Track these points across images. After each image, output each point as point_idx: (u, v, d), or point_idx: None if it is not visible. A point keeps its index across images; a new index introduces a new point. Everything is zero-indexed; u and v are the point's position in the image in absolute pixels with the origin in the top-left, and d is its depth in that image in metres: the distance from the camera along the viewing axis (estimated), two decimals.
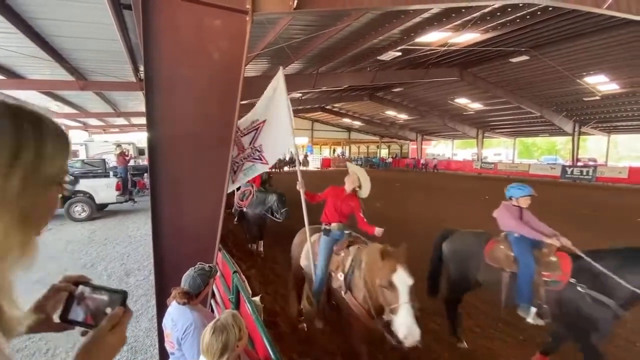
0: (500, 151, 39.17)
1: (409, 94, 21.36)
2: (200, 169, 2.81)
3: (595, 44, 11.82)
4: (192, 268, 2.10)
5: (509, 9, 8.52)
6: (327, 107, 27.37)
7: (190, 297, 1.99)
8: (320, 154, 37.37)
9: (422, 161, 31.64)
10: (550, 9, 8.34)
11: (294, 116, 31.86)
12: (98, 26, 5.52)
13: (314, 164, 33.06)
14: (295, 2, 3.02)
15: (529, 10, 8.62)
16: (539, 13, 9.09)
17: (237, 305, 2.35)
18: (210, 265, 2.18)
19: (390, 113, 26.59)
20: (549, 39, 11.77)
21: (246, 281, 2.41)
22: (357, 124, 32.95)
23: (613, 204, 12.59)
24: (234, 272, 2.41)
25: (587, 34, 11.29)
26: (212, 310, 3.11)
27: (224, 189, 2.83)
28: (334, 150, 39.97)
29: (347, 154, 37.77)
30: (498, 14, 8.80)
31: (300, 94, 18.70)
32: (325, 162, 33.36)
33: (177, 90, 2.67)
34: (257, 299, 2.06)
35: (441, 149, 41.85)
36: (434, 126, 28.71)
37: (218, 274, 2.96)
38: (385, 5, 3.39)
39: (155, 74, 2.59)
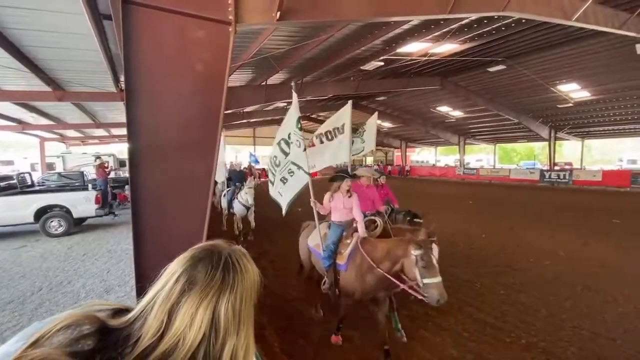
0: (482, 157, 40.30)
1: (392, 103, 21.78)
2: (183, 181, 2.76)
3: (566, 54, 12.43)
4: None
5: (485, 21, 8.87)
6: (313, 115, 27.55)
7: None
8: None
9: (406, 168, 32.16)
10: (523, 21, 8.73)
11: (279, 125, 31.96)
12: (76, 36, 5.39)
13: None
14: (278, 13, 3.06)
15: (503, 22, 9.00)
16: (513, 25, 9.50)
17: None
18: None
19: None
20: (524, 49, 12.30)
21: None
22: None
23: (590, 205, 13.08)
24: None
25: (559, 45, 11.86)
26: None
27: (208, 201, 2.77)
28: None
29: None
30: (475, 25, 9.15)
31: (285, 103, 18.76)
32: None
33: (159, 101, 2.63)
34: None
35: (425, 156, 42.66)
36: (417, 133, 29.30)
37: None
38: (366, 16, 3.47)
39: (136, 85, 2.55)
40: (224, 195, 8.73)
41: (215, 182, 10.43)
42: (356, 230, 3.72)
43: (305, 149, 3.90)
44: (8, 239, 8.62)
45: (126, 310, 0.70)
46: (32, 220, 8.56)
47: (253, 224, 8.16)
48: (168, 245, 2.72)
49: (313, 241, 4.14)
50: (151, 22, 2.55)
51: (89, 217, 9.39)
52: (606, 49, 11.78)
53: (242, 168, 9.67)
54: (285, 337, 3.82)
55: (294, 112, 4.02)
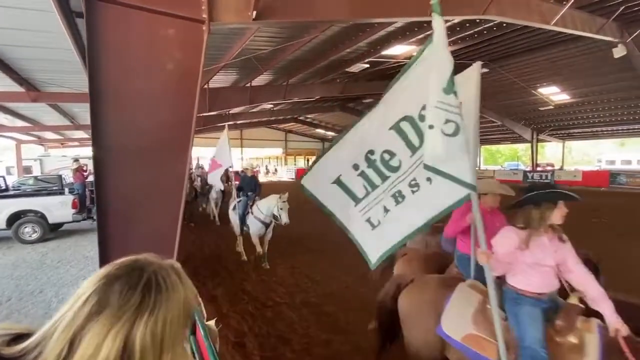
0: None
1: None
2: (154, 184, 2.64)
3: (546, 57, 12.76)
4: None
5: (467, 24, 9.00)
6: (300, 117, 27.48)
7: None
8: (295, 164, 37.29)
9: None
10: (504, 24, 8.89)
11: (267, 127, 31.26)
12: (48, 34, 5.19)
13: (288, 175, 32.93)
14: (254, 13, 2.98)
15: (485, 26, 9.14)
16: (494, 28, 9.68)
17: (193, 330, 2.19)
18: None
19: None
20: (506, 52, 12.56)
21: (202, 304, 2.25)
22: (330, 134, 33.28)
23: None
24: None
25: (539, 48, 12.16)
26: None
27: (180, 205, 2.67)
28: (308, 161, 40.04)
29: None
30: (458, 28, 9.27)
31: (272, 105, 18.63)
32: (300, 172, 33.30)
33: (127, 102, 2.52)
34: (211, 323, 1.91)
35: None
36: None
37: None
38: (344, 17, 3.43)
39: (101, 86, 2.43)
40: (233, 208, 6.99)
41: (209, 188, 10.29)
42: (581, 312, 1.97)
43: (467, 136, 1.81)
44: None
45: (28, 335, 0.61)
46: (4, 226, 8.19)
47: (266, 246, 6.32)
48: (137, 250, 2.60)
49: (456, 325, 2.16)
50: (118, 19, 2.44)
51: (66, 222, 9.05)
52: (583, 53, 12.14)
53: (254, 172, 7.83)
54: (266, 344, 3.72)
55: (441, 60, 1.78)
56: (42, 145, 22.67)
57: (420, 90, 1.87)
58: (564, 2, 6.62)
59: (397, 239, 2.15)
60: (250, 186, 6.90)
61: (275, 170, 33.40)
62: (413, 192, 2.07)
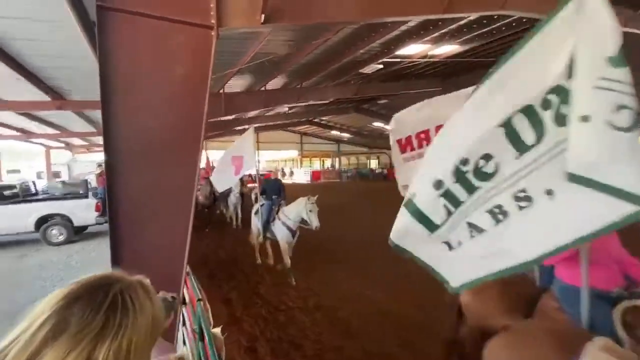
0: None
1: (394, 106, 21.52)
2: (164, 189, 2.67)
3: None
4: None
5: (484, 21, 8.72)
6: (315, 120, 27.51)
7: None
8: (311, 166, 37.36)
9: None
10: (524, 20, 8.56)
11: (283, 130, 31.36)
12: (69, 44, 5.40)
13: (304, 177, 33.02)
14: (263, 16, 2.98)
15: (503, 22, 8.83)
16: (514, 24, 9.33)
17: (202, 336, 2.18)
18: (173, 295, 2.01)
19: (378, 124, 26.83)
20: None
21: (209, 310, 2.25)
22: (345, 135, 33.15)
23: None
24: (198, 300, 2.25)
25: None
26: (184, 342, 2.91)
27: (191, 210, 2.68)
28: (324, 162, 40.04)
29: (337, 166, 37.86)
30: (474, 26, 9.00)
31: (287, 108, 18.75)
32: (315, 175, 33.33)
33: (137, 109, 2.56)
34: (217, 330, 1.90)
35: None
36: None
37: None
38: (354, 18, 3.38)
39: (112, 94, 2.47)
40: (256, 213, 6.52)
41: (228, 192, 10.22)
42: None
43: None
44: (9, 248, 8.65)
45: None
46: (33, 228, 8.59)
47: (290, 255, 5.88)
48: (148, 256, 2.64)
49: None
50: (128, 28, 2.48)
51: (90, 225, 9.39)
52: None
53: (278, 176, 7.54)
54: (277, 349, 3.70)
55: (597, 22, 1.15)
56: (69, 151, 23.72)
57: (545, 66, 1.31)
58: None
59: (495, 268, 1.57)
60: (274, 190, 6.56)
61: (292, 172, 33.59)
62: (521, 208, 1.44)
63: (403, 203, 1.71)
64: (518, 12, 5.35)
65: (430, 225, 1.65)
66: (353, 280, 5.54)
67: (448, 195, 1.57)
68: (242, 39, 7.04)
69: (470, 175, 1.53)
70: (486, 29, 9.16)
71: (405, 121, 3.26)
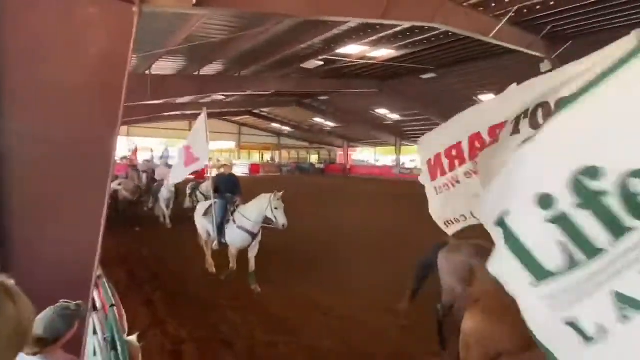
0: (415, 157, 43.28)
1: (334, 103, 22.14)
2: (71, 182, 2.34)
3: (484, 67, 13.89)
4: (51, 307, 1.68)
5: (417, 31, 9.40)
6: (255, 111, 26.79)
7: (45, 345, 1.59)
8: (249, 159, 36.31)
9: (347, 166, 33.25)
10: (449, 33, 9.44)
11: (219, 119, 29.84)
12: None
13: (241, 170, 31.97)
14: None
15: (433, 33, 9.64)
16: (441, 37, 10.24)
17: (114, 345, 1.99)
18: (78, 302, 1.78)
19: (318, 120, 27.22)
20: (450, 60, 13.39)
21: (124, 315, 2.06)
22: (286, 129, 32.95)
23: None
24: (111, 305, 2.04)
25: (479, 59, 13.16)
26: (95, 353, 2.60)
27: (103, 206, 2.40)
28: (263, 156, 39.30)
29: (277, 159, 37.46)
30: (408, 33, 9.65)
31: (224, 96, 17.91)
32: (254, 168, 32.49)
33: (38, 92, 2.19)
34: (132, 337, 1.75)
35: (365, 156, 44.43)
36: (358, 134, 30.29)
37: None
38: (292, 12, 3.33)
39: (6, 75, 2.07)
40: (204, 214, 5.65)
41: (157, 185, 9.04)
42: None
43: None
44: None
45: None
46: None
47: (253, 264, 5.04)
48: (47, 259, 2.29)
49: None
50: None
51: None
52: (515, 65, 13.38)
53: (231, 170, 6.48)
54: (206, 350, 3.55)
55: None
56: None
57: None
58: (501, 18, 7.20)
59: None
60: (228, 186, 5.60)
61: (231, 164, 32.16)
62: None
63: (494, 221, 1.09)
64: (443, 26, 5.90)
65: (536, 269, 0.99)
66: (296, 279, 5.36)
67: (567, 225, 0.92)
68: (173, 18, 6.49)
69: (613, 201, 0.85)
70: (418, 38, 9.89)
71: (432, 139, 2.85)
